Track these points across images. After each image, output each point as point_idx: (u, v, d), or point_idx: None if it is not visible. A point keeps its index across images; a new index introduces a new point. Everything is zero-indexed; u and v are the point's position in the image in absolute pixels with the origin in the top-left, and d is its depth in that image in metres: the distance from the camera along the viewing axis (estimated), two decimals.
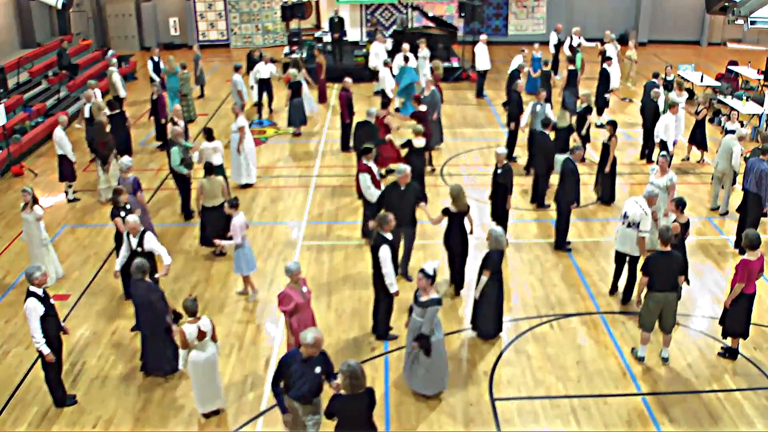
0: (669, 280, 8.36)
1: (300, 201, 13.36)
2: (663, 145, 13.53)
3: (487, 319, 9.08)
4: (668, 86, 16.85)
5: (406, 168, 10.11)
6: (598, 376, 8.54)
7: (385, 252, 8.53)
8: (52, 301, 7.82)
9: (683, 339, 9.19)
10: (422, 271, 7.68)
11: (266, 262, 11.16)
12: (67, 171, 13.25)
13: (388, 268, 8.59)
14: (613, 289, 10.23)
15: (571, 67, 17.53)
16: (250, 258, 9.95)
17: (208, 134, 12.44)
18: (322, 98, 19.28)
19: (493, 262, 8.73)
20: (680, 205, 9.53)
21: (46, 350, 7.62)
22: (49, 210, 12.90)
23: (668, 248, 8.41)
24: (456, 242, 9.99)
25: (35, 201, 10.28)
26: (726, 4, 17.57)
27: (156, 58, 18.66)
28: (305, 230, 12.23)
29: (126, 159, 11.15)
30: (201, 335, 7.49)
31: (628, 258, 9.84)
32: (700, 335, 9.31)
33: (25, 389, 8.37)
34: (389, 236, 8.68)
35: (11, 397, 8.24)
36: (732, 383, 8.40)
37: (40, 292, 7.64)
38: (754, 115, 16.67)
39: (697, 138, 14.71)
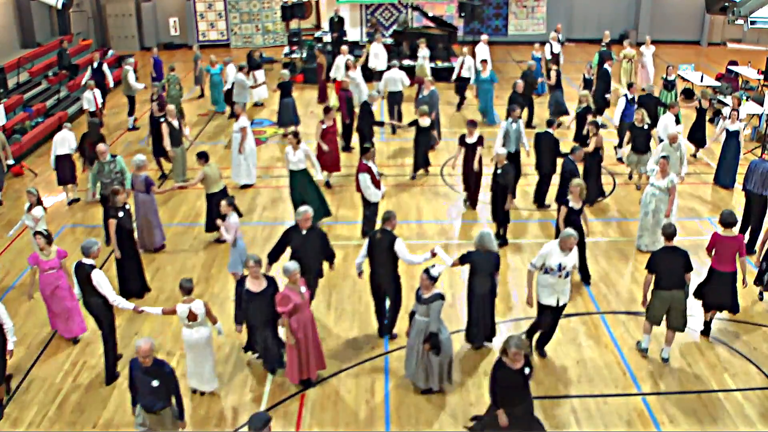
0: (675, 278, 8.30)
1: None
2: None
3: (473, 323, 8.81)
4: (669, 86, 16.82)
5: (307, 209, 8.92)
6: (598, 376, 8.54)
7: (399, 244, 8.63)
8: None
9: (683, 339, 9.18)
10: (426, 271, 7.71)
11: None
12: (67, 172, 13.19)
13: (410, 256, 8.68)
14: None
15: (555, 67, 17.66)
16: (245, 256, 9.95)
17: (295, 136, 12.15)
18: (322, 98, 19.28)
19: (470, 260, 8.48)
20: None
21: (130, 305, 8.09)
22: (48, 210, 12.86)
23: (672, 244, 8.39)
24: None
25: (39, 202, 10.31)
26: (726, 4, 17.52)
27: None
28: None
29: (138, 157, 11.14)
30: (192, 316, 7.67)
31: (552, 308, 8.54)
32: (700, 335, 9.31)
33: (25, 389, 8.38)
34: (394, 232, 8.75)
35: (11, 396, 8.25)
36: (732, 383, 8.40)
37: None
38: (754, 115, 16.66)
39: (697, 135, 14.95)
